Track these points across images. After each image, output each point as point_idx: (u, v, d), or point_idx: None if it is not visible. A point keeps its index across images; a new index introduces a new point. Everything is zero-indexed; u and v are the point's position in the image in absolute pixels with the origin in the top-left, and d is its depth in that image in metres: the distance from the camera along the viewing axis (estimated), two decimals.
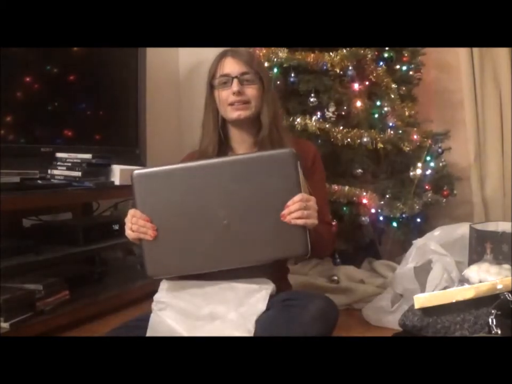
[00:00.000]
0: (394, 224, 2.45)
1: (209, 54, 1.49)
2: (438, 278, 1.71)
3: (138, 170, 1.23)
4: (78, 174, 2.03)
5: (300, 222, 1.19)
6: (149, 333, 1.27)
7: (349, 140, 2.32)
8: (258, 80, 1.45)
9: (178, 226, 1.22)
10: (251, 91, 1.44)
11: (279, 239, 1.21)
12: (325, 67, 2.35)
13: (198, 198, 1.21)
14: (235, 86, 1.41)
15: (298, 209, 1.19)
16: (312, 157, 1.53)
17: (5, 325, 1.70)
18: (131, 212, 1.25)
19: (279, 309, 1.23)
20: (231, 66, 1.44)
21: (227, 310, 1.25)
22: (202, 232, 1.21)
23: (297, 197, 1.20)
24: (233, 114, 1.44)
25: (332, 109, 2.35)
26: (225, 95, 1.43)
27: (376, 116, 2.44)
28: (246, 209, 1.21)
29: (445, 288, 1.63)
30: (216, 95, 1.45)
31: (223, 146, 1.50)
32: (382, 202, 2.36)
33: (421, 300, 1.51)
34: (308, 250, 1.22)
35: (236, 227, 1.21)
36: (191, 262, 1.23)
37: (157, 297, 1.32)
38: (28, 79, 2.14)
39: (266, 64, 2.40)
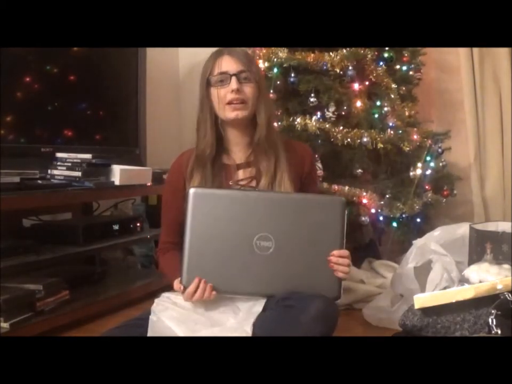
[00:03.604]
0: (394, 224, 2.45)
1: (209, 54, 1.49)
2: (438, 278, 1.71)
3: (195, 188, 1.30)
4: (78, 174, 2.03)
5: (340, 275, 1.29)
6: (149, 335, 1.27)
7: (349, 139, 2.32)
8: (256, 79, 1.44)
9: (223, 247, 1.27)
10: (249, 90, 1.42)
11: (316, 279, 1.28)
12: (325, 67, 2.35)
13: (248, 225, 1.27)
14: (234, 84, 1.39)
15: (346, 264, 1.29)
16: (309, 162, 1.54)
17: (5, 325, 1.70)
18: (207, 288, 1.26)
19: (278, 310, 1.22)
20: (229, 64, 1.41)
21: (225, 318, 1.25)
22: (245, 257, 1.26)
23: (347, 253, 1.30)
24: (231, 114, 1.41)
25: (331, 109, 2.35)
26: (223, 93, 1.41)
27: (376, 115, 2.44)
28: (292, 244, 1.27)
29: (445, 288, 1.63)
30: (214, 94, 1.43)
31: (220, 147, 1.48)
32: (382, 202, 2.36)
33: (421, 300, 1.51)
34: (340, 295, 1.30)
35: (279, 258, 1.26)
36: (226, 282, 1.28)
37: (157, 300, 1.33)
38: (28, 79, 2.14)
39: (266, 64, 2.41)
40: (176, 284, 1.32)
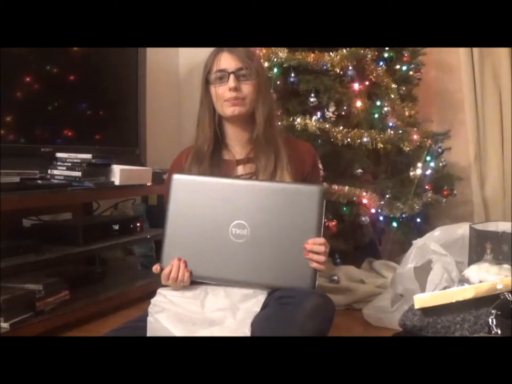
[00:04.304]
0: (394, 224, 2.45)
1: (209, 54, 1.49)
2: (438, 278, 1.71)
3: (178, 174, 1.33)
4: (78, 174, 2.03)
5: (315, 265, 1.26)
6: (148, 335, 1.27)
7: (349, 139, 2.32)
8: (255, 77, 1.43)
9: (200, 233, 1.29)
10: (247, 87, 1.42)
11: (290, 268, 1.27)
12: (325, 67, 2.35)
13: (225, 212, 1.28)
14: (232, 82, 1.39)
15: (322, 252, 1.26)
16: (312, 161, 1.53)
17: (5, 325, 1.70)
18: (181, 265, 1.28)
19: (275, 308, 1.22)
20: (228, 61, 1.41)
21: (223, 317, 1.25)
22: (221, 244, 1.28)
23: (323, 240, 1.26)
24: (228, 110, 1.42)
25: (331, 109, 2.35)
26: (221, 91, 1.41)
27: (376, 115, 2.45)
28: (268, 232, 1.27)
29: (445, 288, 1.63)
30: (213, 91, 1.43)
31: (218, 143, 1.48)
32: (382, 202, 2.36)
33: (421, 300, 1.51)
34: (314, 287, 1.27)
35: (254, 247, 1.27)
36: (201, 268, 1.30)
37: (153, 300, 1.32)
38: (28, 79, 2.14)
39: (266, 64, 2.41)
40: (155, 266, 1.33)
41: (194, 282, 1.33)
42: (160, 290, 1.35)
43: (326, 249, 1.27)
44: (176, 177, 1.32)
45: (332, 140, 2.33)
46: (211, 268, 1.29)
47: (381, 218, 2.39)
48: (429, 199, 2.54)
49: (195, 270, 1.29)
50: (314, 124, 2.31)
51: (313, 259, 1.25)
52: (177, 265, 1.28)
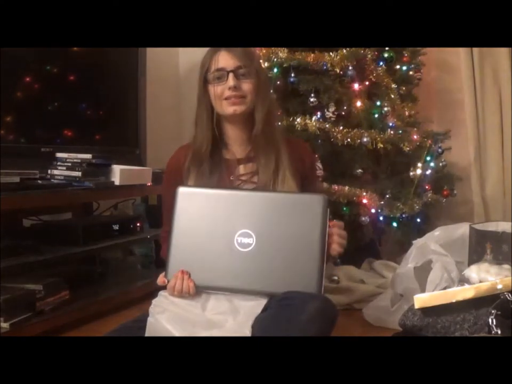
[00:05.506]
0: (394, 224, 2.45)
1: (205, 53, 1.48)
2: (438, 278, 1.71)
3: (182, 187, 1.36)
4: (78, 174, 2.03)
5: (335, 246, 1.34)
6: (147, 335, 1.27)
7: (349, 140, 2.33)
8: (254, 75, 1.42)
9: (205, 244, 1.31)
10: (247, 86, 1.41)
11: (296, 275, 1.28)
12: (325, 67, 2.36)
13: (230, 222, 1.30)
14: (231, 81, 1.38)
15: (344, 236, 1.36)
16: (310, 161, 1.53)
17: (5, 325, 1.70)
18: (185, 277, 1.29)
19: (277, 310, 1.22)
20: (226, 60, 1.40)
21: (224, 320, 1.25)
22: (226, 253, 1.29)
23: (342, 224, 1.38)
24: (228, 109, 1.41)
25: (331, 109, 2.35)
26: (220, 90, 1.40)
27: (376, 115, 2.45)
28: (273, 241, 1.29)
29: (445, 288, 1.63)
30: (211, 90, 1.42)
31: (217, 143, 1.47)
32: (382, 202, 2.36)
33: (421, 300, 1.51)
34: (320, 293, 1.28)
35: (260, 255, 1.28)
36: (207, 278, 1.31)
37: (155, 301, 1.32)
38: (28, 79, 2.14)
39: (266, 64, 2.41)
40: (160, 278, 1.34)
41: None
42: (162, 292, 1.35)
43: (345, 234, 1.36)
44: (181, 190, 1.34)
45: (332, 139, 2.33)
46: (217, 277, 1.30)
47: (381, 218, 2.39)
48: (429, 199, 2.54)
49: (201, 280, 1.30)
50: (314, 124, 2.31)
51: (338, 242, 1.32)
52: (181, 277, 1.28)
